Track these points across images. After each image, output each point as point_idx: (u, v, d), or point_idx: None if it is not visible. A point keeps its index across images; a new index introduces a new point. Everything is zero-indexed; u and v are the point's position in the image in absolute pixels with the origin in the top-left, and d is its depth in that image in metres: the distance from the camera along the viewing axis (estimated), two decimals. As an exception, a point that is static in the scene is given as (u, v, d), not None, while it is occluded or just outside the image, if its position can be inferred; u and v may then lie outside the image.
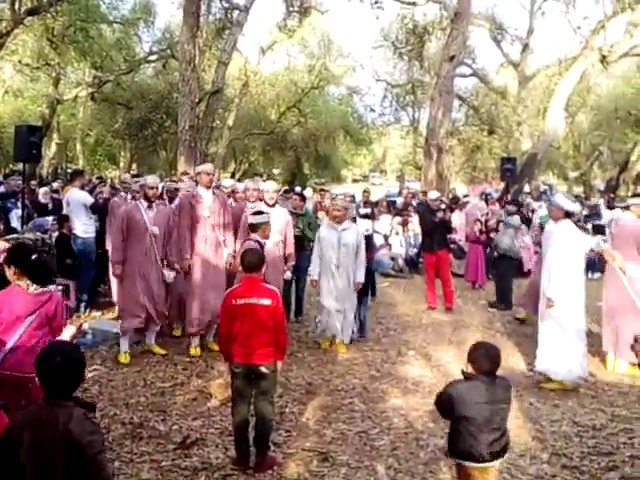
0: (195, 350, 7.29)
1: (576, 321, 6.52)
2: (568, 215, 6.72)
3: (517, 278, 11.33)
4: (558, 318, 6.50)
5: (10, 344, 4.12)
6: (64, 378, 2.96)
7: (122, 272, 6.99)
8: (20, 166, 11.05)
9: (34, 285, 4.22)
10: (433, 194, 11.11)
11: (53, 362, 2.96)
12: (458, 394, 3.70)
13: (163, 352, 7.18)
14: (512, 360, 7.56)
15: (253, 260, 4.74)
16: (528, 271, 11.88)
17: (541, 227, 8.91)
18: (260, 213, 6.62)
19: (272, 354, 4.65)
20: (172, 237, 7.25)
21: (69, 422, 2.83)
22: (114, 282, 8.45)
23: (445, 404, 3.79)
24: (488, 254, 12.21)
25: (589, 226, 13.09)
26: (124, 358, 6.94)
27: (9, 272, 4.30)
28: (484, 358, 3.78)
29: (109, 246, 8.36)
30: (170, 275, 7.14)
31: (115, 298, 8.72)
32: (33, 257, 4.30)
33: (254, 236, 6.29)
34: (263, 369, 4.60)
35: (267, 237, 6.56)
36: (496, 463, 3.76)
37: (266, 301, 4.59)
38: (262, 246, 6.13)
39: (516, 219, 10.96)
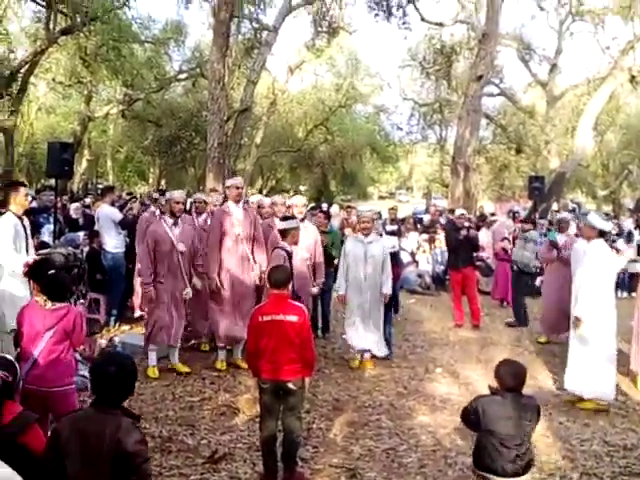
0: (221, 364, 7.31)
1: (607, 342, 6.45)
2: (602, 234, 6.67)
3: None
4: (588, 338, 6.44)
5: (31, 360, 4.22)
6: (117, 388, 3.06)
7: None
8: (51, 181, 11.22)
9: (52, 302, 4.32)
10: (458, 211, 11.12)
11: (107, 371, 3.06)
12: (483, 408, 3.82)
13: (187, 370, 7.13)
14: (540, 378, 7.51)
15: (280, 277, 4.76)
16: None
17: (552, 245, 8.82)
18: (290, 218, 6.65)
19: (299, 370, 4.65)
20: (201, 253, 7.30)
21: (118, 431, 2.91)
22: (138, 297, 8.58)
23: (470, 417, 3.92)
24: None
25: (620, 244, 12.99)
26: (152, 372, 6.94)
27: (32, 286, 4.42)
28: (509, 375, 3.92)
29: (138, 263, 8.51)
30: (189, 291, 7.08)
31: (137, 313, 8.91)
32: (49, 273, 4.40)
33: (283, 244, 6.28)
34: (290, 385, 4.61)
35: (296, 243, 6.58)
36: None
37: (293, 318, 4.60)
38: (290, 255, 6.15)
39: (534, 234, 10.92)
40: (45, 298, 4.35)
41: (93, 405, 3.11)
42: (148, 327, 7.11)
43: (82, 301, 8.20)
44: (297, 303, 4.80)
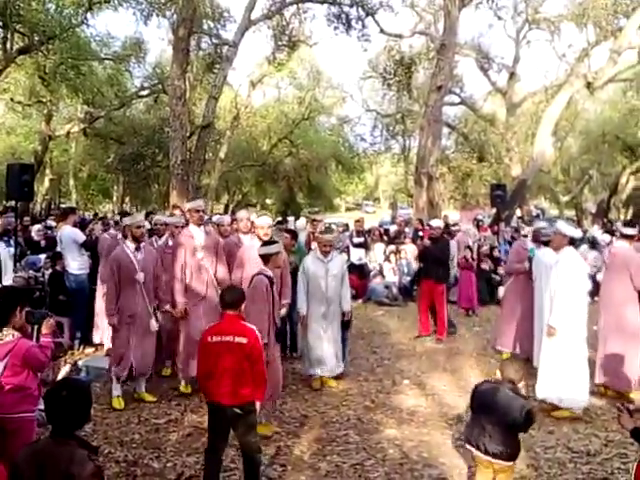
0: (186, 388, 7.14)
1: (579, 349, 6.46)
2: (572, 242, 6.73)
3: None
4: (562, 346, 6.43)
5: None
6: (70, 415, 2.99)
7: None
8: (12, 202, 11.07)
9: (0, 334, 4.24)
10: (434, 222, 11.18)
11: (59, 395, 3.00)
12: (479, 392, 4.55)
13: (153, 399, 6.91)
14: (506, 387, 7.55)
15: (230, 297, 4.67)
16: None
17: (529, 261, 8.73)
18: (271, 243, 6.40)
19: (248, 394, 4.52)
20: (162, 279, 7.10)
21: (71, 464, 2.85)
22: (100, 320, 8.41)
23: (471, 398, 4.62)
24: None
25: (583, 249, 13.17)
26: (118, 403, 6.70)
27: None
28: (511, 369, 4.50)
29: (100, 285, 8.36)
30: (154, 324, 6.88)
31: (97, 339, 8.69)
32: None
33: (264, 269, 6.03)
34: (236, 410, 4.48)
35: (279, 267, 6.44)
36: (492, 460, 4.30)
37: (242, 339, 4.48)
38: (272, 280, 5.96)
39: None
40: None
41: (50, 436, 3.06)
42: (111, 359, 6.93)
43: (51, 322, 8.11)
44: (248, 325, 4.68)
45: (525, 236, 10.49)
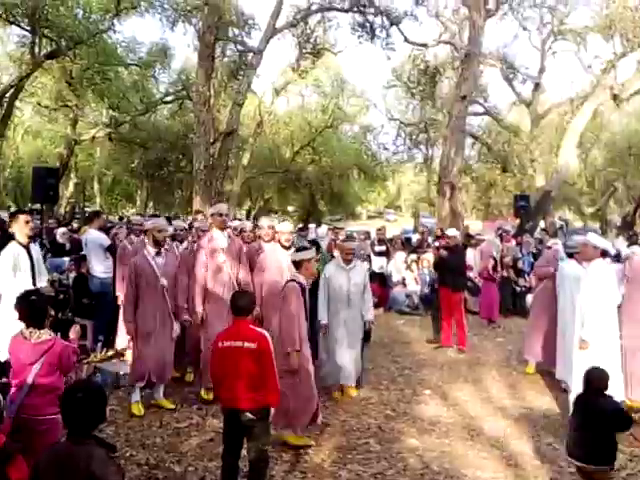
0: (207, 394, 7.05)
1: (613, 362, 6.36)
2: (603, 254, 6.65)
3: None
4: (595, 360, 6.27)
5: (22, 392, 4.21)
6: (86, 415, 3.03)
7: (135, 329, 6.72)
8: (38, 205, 11.23)
9: (37, 333, 4.30)
10: (450, 231, 11.09)
11: (75, 397, 3.05)
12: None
13: (172, 406, 6.90)
14: (529, 399, 7.51)
15: (242, 303, 4.67)
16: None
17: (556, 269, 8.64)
18: (305, 249, 6.40)
19: (260, 399, 4.51)
20: (183, 284, 7.07)
21: (91, 461, 2.88)
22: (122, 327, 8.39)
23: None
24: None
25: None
26: (137, 410, 6.67)
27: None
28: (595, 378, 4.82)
29: (119, 291, 8.34)
30: (177, 329, 6.89)
31: (120, 344, 8.60)
32: (31, 298, 4.39)
33: (296, 275, 5.99)
34: (248, 414, 4.48)
35: (312, 275, 6.31)
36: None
37: (251, 344, 4.47)
38: (303, 287, 5.91)
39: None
40: (31, 330, 4.34)
41: (67, 437, 3.09)
42: (132, 364, 6.89)
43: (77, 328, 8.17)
44: (259, 330, 4.67)
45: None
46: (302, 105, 38.39)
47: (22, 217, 6.57)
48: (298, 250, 6.39)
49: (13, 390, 4.30)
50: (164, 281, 6.68)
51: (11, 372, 4.41)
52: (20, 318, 4.42)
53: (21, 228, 6.44)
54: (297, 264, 6.07)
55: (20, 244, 6.38)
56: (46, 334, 4.34)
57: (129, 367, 7.15)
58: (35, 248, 6.64)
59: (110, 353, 8.77)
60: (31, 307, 4.38)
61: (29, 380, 4.23)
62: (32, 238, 6.80)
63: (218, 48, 21.82)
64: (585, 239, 7.02)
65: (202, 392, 7.14)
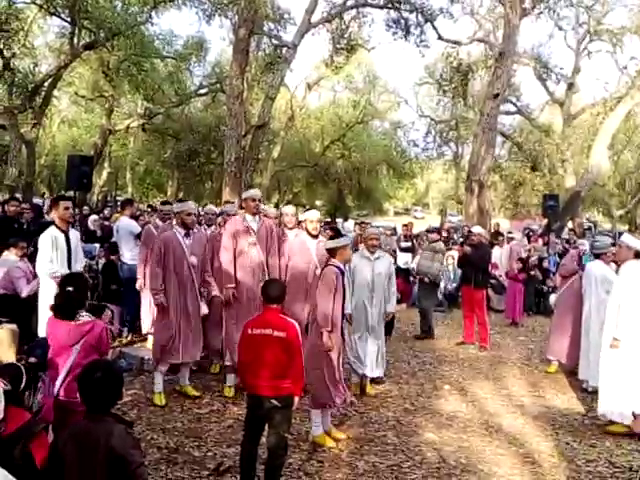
0: (229, 390, 6.98)
1: None
2: (637, 255, 6.62)
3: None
4: (627, 361, 6.29)
5: (63, 373, 4.31)
6: (103, 393, 3.13)
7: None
8: (71, 193, 11.45)
9: (77, 314, 4.43)
10: (475, 229, 11.10)
11: (93, 377, 3.14)
12: None
13: (197, 394, 6.88)
14: (548, 397, 7.52)
15: (272, 292, 4.70)
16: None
17: (581, 267, 8.60)
18: (338, 236, 6.34)
19: (286, 387, 4.55)
20: (213, 265, 7.06)
21: (111, 437, 2.97)
22: (145, 313, 8.43)
23: None
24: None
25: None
26: (159, 400, 6.60)
27: None
28: None
29: (140, 274, 8.33)
30: (205, 308, 6.90)
31: (144, 330, 8.64)
32: (68, 289, 4.51)
33: (334, 261, 5.93)
34: (273, 401, 4.52)
35: (348, 261, 6.28)
36: None
37: (281, 333, 4.51)
38: (342, 272, 5.89)
39: (442, 244, 11.24)
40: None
41: (86, 415, 3.18)
42: (155, 345, 6.82)
43: (109, 313, 8.38)
44: (288, 319, 4.71)
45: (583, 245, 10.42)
46: (333, 100, 38.48)
47: (62, 203, 6.75)
48: (332, 238, 6.33)
49: (52, 371, 4.41)
50: (193, 259, 6.68)
51: (49, 352, 4.49)
52: (56, 306, 4.56)
53: (60, 213, 6.63)
54: (332, 252, 6.01)
55: (59, 229, 6.56)
56: (86, 316, 4.47)
57: (152, 350, 7.15)
58: (74, 234, 6.82)
59: (135, 338, 8.96)
60: (64, 299, 4.50)
61: (69, 361, 4.31)
62: (71, 224, 6.98)
63: (253, 42, 22.01)
64: (619, 240, 7.00)
65: (225, 390, 7.04)
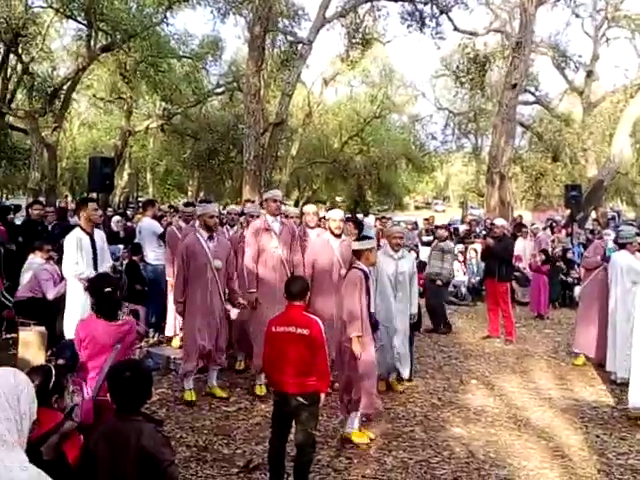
0: (260, 389, 6.94)
1: None
2: None
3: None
4: None
5: (104, 373, 4.33)
6: (133, 392, 3.16)
7: (184, 309, 6.70)
8: (94, 194, 11.56)
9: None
10: (497, 221, 11.00)
11: (123, 377, 3.18)
12: None
13: (225, 395, 6.86)
14: (577, 390, 7.45)
15: (294, 289, 4.71)
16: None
17: (605, 259, 8.47)
18: (365, 238, 6.25)
19: (311, 385, 4.55)
20: (237, 268, 7.02)
21: (141, 436, 3.00)
22: (171, 314, 8.51)
23: None
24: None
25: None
26: (190, 396, 6.64)
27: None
28: None
29: (169, 276, 8.46)
30: (234, 311, 6.88)
31: (168, 332, 8.77)
32: (106, 290, 4.55)
33: (358, 263, 5.90)
34: (299, 399, 4.53)
35: (373, 264, 6.19)
36: None
37: (304, 331, 4.52)
38: (367, 275, 5.86)
39: (450, 244, 11.07)
40: None
41: (116, 414, 3.22)
42: (184, 349, 6.91)
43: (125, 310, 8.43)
44: (311, 316, 4.72)
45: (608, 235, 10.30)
46: (350, 95, 38.44)
47: (91, 205, 6.85)
48: (359, 239, 6.26)
49: (83, 373, 4.44)
50: (218, 262, 6.62)
51: (85, 354, 4.49)
52: (93, 308, 4.61)
53: (89, 215, 6.68)
54: (358, 253, 5.97)
55: (83, 231, 6.62)
56: (123, 315, 4.53)
57: (179, 353, 7.24)
58: (99, 234, 6.87)
59: (161, 338, 9.03)
60: (107, 302, 4.54)
61: (110, 361, 4.30)
62: (97, 225, 7.04)
63: (268, 39, 22.03)
64: None
65: (257, 388, 7.01)
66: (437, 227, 12.87)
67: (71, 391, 4.20)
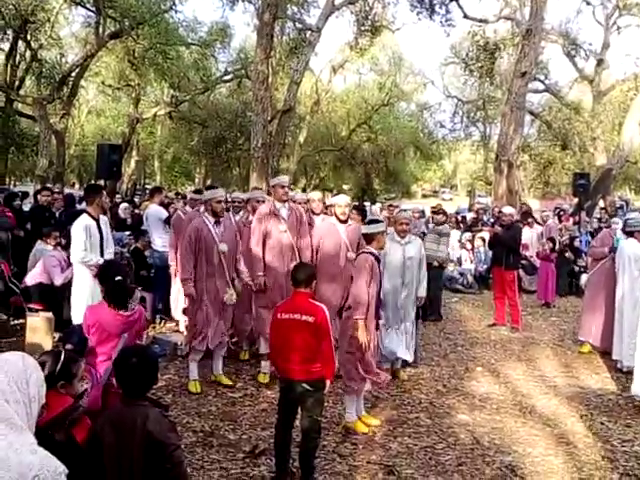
0: (264, 377, 6.92)
1: None
2: None
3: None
4: None
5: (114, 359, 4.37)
6: (139, 378, 3.18)
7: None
8: (102, 182, 11.59)
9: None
10: (505, 209, 10.96)
11: (129, 363, 3.19)
12: None
13: (230, 383, 6.81)
14: (582, 378, 7.46)
15: (300, 276, 4.69)
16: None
17: (612, 250, 8.41)
18: (375, 222, 6.19)
19: (317, 371, 4.56)
20: (244, 252, 6.99)
21: (147, 421, 3.02)
22: (174, 299, 8.52)
23: None
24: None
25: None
26: (194, 387, 6.59)
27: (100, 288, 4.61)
28: None
29: (172, 261, 8.40)
30: (233, 296, 6.71)
31: (174, 314, 8.72)
32: (117, 279, 4.58)
33: (368, 248, 5.85)
34: (305, 385, 4.54)
35: (382, 248, 6.16)
36: None
37: (309, 318, 4.51)
38: (378, 258, 5.84)
39: (447, 227, 11.08)
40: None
41: (122, 399, 3.25)
42: (188, 334, 6.86)
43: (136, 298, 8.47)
44: (317, 303, 4.71)
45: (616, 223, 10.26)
46: (359, 83, 38.33)
47: (102, 192, 6.98)
48: (369, 223, 6.20)
49: (92, 357, 4.47)
50: (224, 246, 6.57)
51: (92, 340, 4.52)
52: (104, 296, 4.64)
53: (99, 202, 6.72)
54: (368, 237, 5.94)
55: (91, 217, 6.63)
56: (134, 303, 4.56)
57: (184, 337, 7.23)
58: (104, 220, 6.90)
59: (169, 325, 9.06)
60: (118, 290, 4.57)
61: (118, 348, 4.29)
62: (104, 212, 7.07)
63: (277, 26, 21.93)
64: None
65: (260, 376, 7.00)
66: (433, 211, 12.82)
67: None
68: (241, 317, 7.50)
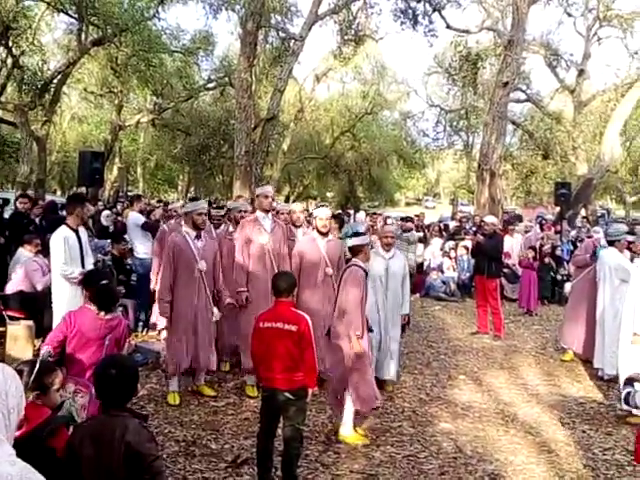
0: (252, 390, 6.76)
1: None
2: None
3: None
4: None
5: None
6: (119, 389, 3.14)
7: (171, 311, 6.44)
8: (83, 188, 11.51)
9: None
10: (488, 218, 11.00)
11: (108, 374, 3.16)
12: None
13: (213, 393, 6.76)
14: (564, 387, 7.50)
15: (282, 284, 4.68)
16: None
17: (593, 255, 8.47)
18: (360, 234, 6.02)
19: (299, 380, 4.55)
20: (224, 267, 6.88)
21: (126, 432, 2.99)
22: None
23: None
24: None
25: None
26: (173, 399, 6.45)
27: (84, 294, 4.58)
28: None
29: (153, 274, 8.32)
30: (217, 314, 6.63)
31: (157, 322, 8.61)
32: (102, 283, 4.55)
33: (355, 260, 5.79)
34: (287, 394, 4.54)
35: (368, 259, 6.07)
36: None
37: (292, 327, 4.51)
38: (366, 271, 5.78)
39: (415, 234, 11.39)
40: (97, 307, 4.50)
41: (102, 410, 3.22)
42: (168, 351, 6.63)
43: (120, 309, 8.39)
44: (299, 312, 4.71)
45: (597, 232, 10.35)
46: (342, 91, 38.38)
47: (86, 203, 6.94)
48: (352, 236, 6.03)
49: (74, 365, 4.42)
50: (203, 265, 6.43)
51: (71, 346, 4.47)
52: (91, 300, 4.59)
53: (80, 213, 6.59)
54: (355, 250, 5.86)
55: (70, 228, 6.50)
56: (115, 311, 4.52)
57: (165, 351, 7.00)
58: (83, 231, 6.81)
59: (150, 333, 8.98)
60: (104, 294, 4.53)
61: (102, 354, 4.31)
62: (83, 222, 6.98)
63: (260, 35, 21.95)
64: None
65: (248, 389, 6.86)
66: (402, 219, 12.92)
67: (73, 391, 4.18)
68: (222, 330, 7.35)
